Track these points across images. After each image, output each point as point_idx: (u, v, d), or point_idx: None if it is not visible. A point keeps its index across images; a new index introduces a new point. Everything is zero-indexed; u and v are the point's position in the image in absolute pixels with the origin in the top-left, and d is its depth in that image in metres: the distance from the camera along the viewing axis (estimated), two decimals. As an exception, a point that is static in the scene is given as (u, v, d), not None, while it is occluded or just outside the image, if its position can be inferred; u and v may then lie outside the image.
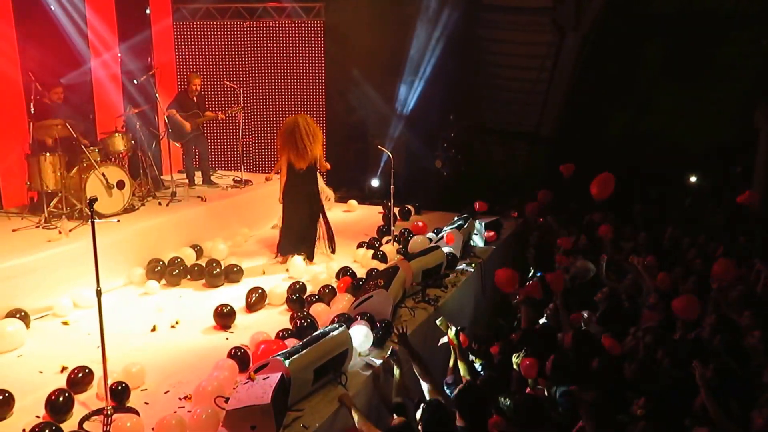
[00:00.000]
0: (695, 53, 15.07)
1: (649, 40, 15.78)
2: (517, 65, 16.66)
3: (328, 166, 10.51)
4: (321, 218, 10.34)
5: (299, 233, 10.17)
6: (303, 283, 8.77)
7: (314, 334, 6.38)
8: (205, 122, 12.65)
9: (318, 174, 10.36)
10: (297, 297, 8.37)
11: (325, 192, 11.53)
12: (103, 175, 9.85)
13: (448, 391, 6.32)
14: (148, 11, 13.41)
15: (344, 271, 9.30)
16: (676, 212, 12.37)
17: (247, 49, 15.30)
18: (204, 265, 9.68)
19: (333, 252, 10.48)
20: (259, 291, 8.54)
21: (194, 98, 12.30)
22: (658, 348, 6.43)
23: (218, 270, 9.41)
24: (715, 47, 14.99)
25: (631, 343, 6.85)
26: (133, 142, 11.01)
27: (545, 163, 16.36)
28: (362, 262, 10.03)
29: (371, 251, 10.28)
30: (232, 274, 9.48)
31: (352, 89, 16.41)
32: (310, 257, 10.18)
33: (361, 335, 6.73)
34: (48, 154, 9.71)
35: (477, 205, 11.64)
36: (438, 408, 5.33)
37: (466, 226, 10.28)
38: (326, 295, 8.39)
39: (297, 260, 9.88)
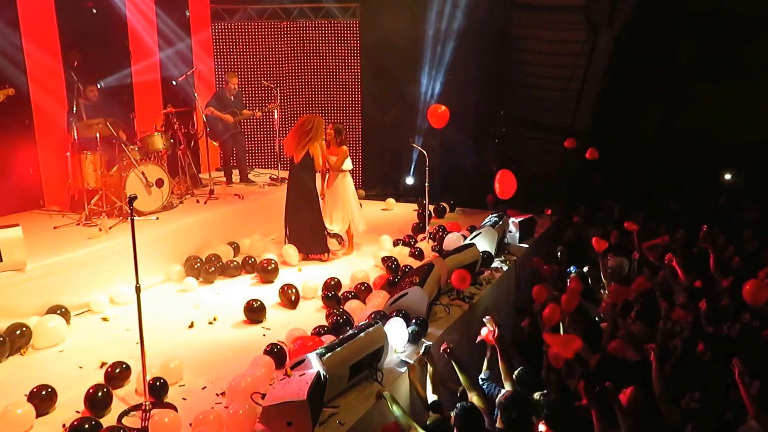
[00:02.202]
0: (728, 52, 14.97)
1: (682, 38, 15.66)
2: (550, 63, 16.55)
3: (319, 167, 10.28)
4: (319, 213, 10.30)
5: (297, 225, 10.28)
6: (338, 280, 8.80)
7: (350, 330, 6.42)
8: (242, 120, 12.75)
9: (316, 173, 10.37)
10: (333, 294, 8.42)
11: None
12: (143, 173, 9.97)
13: (484, 387, 6.34)
14: (187, 13, 13.60)
15: (387, 260, 9.45)
16: (710, 210, 12.27)
17: (284, 50, 15.37)
18: (240, 261, 9.78)
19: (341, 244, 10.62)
20: (293, 288, 8.59)
21: (231, 97, 12.40)
22: (696, 344, 6.40)
23: (272, 266, 9.45)
24: (748, 46, 14.86)
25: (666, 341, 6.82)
26: (171, 140, 11.13)
27: (579, 161, 16.30)
28: (397, 259, 10.03)
29: (407, 248, 10.31)
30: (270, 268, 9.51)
31: (387, 88, 16.40)
32: (322, 250, 10.31)
33: (396, 332, 6.75)
34: (89, 152, 9.84)
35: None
36: (471, 412, 5.34)
37: (500, 223, 10.25)
38: (362, 292, 8.45)
39: (289, 249, 10.13)
